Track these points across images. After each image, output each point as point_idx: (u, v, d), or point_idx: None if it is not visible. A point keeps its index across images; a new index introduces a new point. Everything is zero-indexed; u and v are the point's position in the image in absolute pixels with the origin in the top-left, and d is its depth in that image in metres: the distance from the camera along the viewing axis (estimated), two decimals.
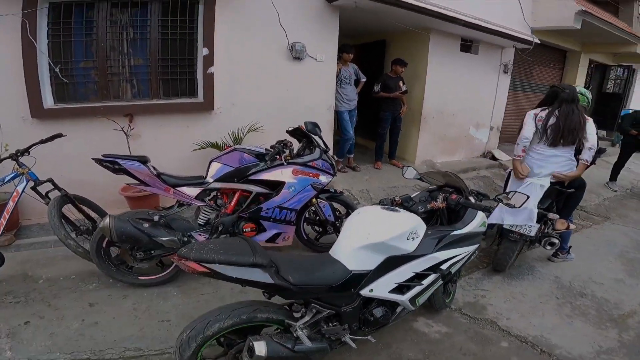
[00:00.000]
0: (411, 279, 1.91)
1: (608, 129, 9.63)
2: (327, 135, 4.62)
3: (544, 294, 2.97)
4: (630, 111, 6.63)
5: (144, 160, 2.57)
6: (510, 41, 6.00)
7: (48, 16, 3.25)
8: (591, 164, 3.07)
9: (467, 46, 6.01)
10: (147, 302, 2.52)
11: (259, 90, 4.23)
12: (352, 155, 5.50)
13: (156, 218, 2.51)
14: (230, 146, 3.36)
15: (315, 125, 3.05)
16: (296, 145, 3.15)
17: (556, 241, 3.07)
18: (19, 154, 2.68)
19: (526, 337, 2.42)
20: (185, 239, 2.54)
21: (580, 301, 2.89)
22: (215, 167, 2.77)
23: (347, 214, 3.22)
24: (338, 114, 5.06)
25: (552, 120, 2.93)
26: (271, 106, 4.30)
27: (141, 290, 2.63)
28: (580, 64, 8.36)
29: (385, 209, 1.97)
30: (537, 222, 2.99)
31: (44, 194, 2.76)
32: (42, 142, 2.77)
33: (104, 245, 2.51)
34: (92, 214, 2.99)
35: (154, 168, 2.63)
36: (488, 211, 2.13)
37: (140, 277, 2.64)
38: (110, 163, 2.49)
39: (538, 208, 2.97)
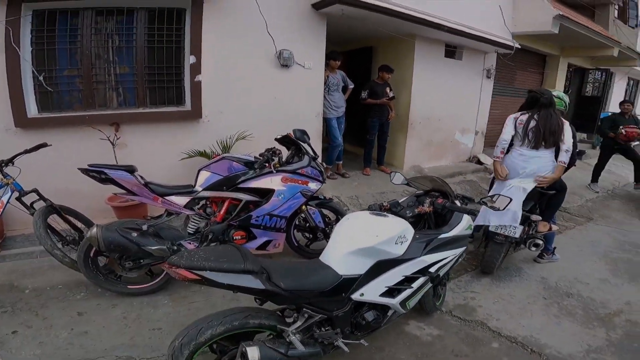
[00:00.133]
0: (401, 283, 1.94)
1: (588, 132, 9.80)
2: (316, 143, 4.65)
3: (532, 294, 3.02)
4: (609, 114, 6.83)
5: (131, 170, 2.55)
6: (492, 46, 6.15)
7: (32, 24, 3.22)
8: (571, 165, 3.19)
9: (451, 52, 6.13)
10: (137, 311, 2.50)
11: (247, 98, 4.23)
12: (341, 162, 5.53)
13: (145, 227, 2.49)
14: (219, 155, 3.36)
15: (304, 132, 3.08)
16: (285, 153, 3.17)
17: (540, 242, 3.17)
18: (3, 164, 2.64)
19: (516, 338, 2.45)
20: (175, 248, 2.53)
21: (567, 301, 2.94)
22: (204, 175, 2.77)
23: (337, 220, 3.24)
24: (326, 121, 5.09)
25: (532, 124, 3.06)
26: (259, 114, 4.31)
27: (130, 299, 2.60)
28: (560, 67, 8.57)
29: (374, 215, 2.00)
30: (521, 224, 3.06)
31: (29, 204, 2.72)
32: (27, 152, 2.73)
33: (91, 254, 2.48)
34: (79, 224, 2.95)
35: (142, 177, 2.62)
36: (473, 214, 2.18)
37: (129, 286, 2.62)
38: (97, 173, 2.46)
39: (521, 210, 3.05)
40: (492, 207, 2.19)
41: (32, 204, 2.73)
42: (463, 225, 2.25)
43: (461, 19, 5.34)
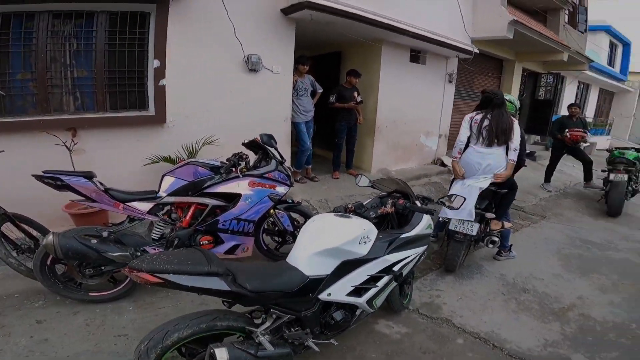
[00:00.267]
0: (366, 282, 2.00)
1: (542, 134, 10.32)
2: (284, 147, 4.66)
3: (492, 291, 3.15)
4: (560, 117, 7.27)
5: (89, 176, 2.48)
6: (453, 51, 6.40)
7: None
8: (520, 164, 3.41)
9: (415, 57, 6.34)
10: (101, 318, 2.42)
11: (214, 103, 4.19)
12: (310, 166, 5.56)
13: (105, 234, 2.42)
14: (184, 160, 3.31)
15: (271, 137, 3.10)
16: (253, 157, 3.17)
17: (497, 239, 3.35)
18: None
19: (479, 333, 2.54)
20: (139, 254, 2.46)
21: (524, 296, 3.08)
22: (169, 181, 2.73)
23: None
24: (295, 126, 5.11)
25: (485, 123, 3.28)
26: (227, 119, 4.27)
27: (93, 307, 2.52)
28: (515, 72, 8.99)
29: (339, 216, 2.05)
30: (479, 222, 3.22)
31: None
32: None
33: (48, 262, 2.38)
34: (34, 232, 2.81)
35: (101, 183, 2.55)
36: (432, 214, 2.28)
37: (90, 294, 2.54)
38: (52, 179, 2.37)
39: (476, 209, 3.22)
40: (450, 207, 2.31)
41: None
42: (423, 225, 2.34)
43: (425, 25, 5.54)
